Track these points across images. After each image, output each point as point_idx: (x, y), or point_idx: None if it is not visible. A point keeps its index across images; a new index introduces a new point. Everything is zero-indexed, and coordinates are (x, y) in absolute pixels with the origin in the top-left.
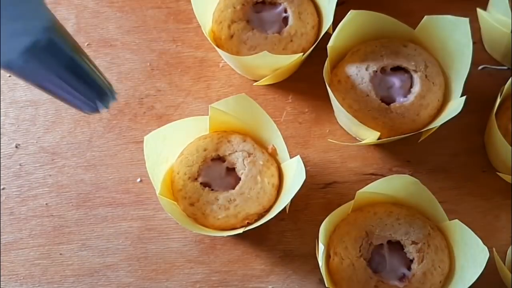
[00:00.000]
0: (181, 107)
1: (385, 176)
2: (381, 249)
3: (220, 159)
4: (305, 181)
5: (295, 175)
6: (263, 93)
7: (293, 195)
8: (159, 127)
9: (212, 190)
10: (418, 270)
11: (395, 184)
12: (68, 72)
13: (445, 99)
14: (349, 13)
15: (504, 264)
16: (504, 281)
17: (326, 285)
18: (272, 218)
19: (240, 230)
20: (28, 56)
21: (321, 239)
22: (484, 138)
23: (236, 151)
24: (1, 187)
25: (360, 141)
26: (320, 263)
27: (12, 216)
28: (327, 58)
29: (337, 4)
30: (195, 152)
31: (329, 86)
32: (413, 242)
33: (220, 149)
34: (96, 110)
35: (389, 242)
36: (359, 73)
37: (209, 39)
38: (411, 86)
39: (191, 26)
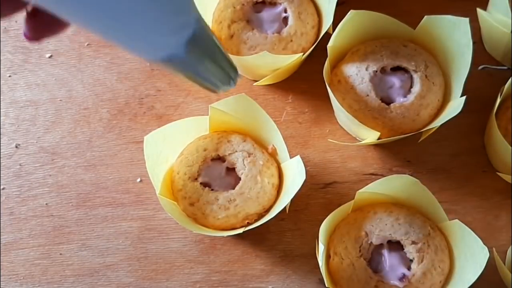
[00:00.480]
0: (181, 107)
1: (385, 176)
2: (381, 249)
3: (220, 159)
4: (305, 181)
5: (295, 175)
6: (263, 93)
7: (293, 195)
8: (159, 127)
9: (212, 190)
10: (418, 270)
11: (395, 184)
12: (213, 55)
13: (445, 99)
14: (349, 13)
15: (504, 264)
16: (504, 281)
17: (326, 285)
18: (272, 218)
19: (240, 230)
20: (189, 47)
21: (321, 239)
22: (484, 138)
23: (236, 151)
24: (1, 187)
25: (360, 141)
26: (320, 263)
27: (12, 216)
28: (327, 58)
29: (337, 4)
30: (195, 152)
31: (329, 86)
32: (413, 242)
33: (220, 149)
34: (226, 88)
35: (389, 242)
36: (359, 73)
37: None
38: (411, 86)
39: None
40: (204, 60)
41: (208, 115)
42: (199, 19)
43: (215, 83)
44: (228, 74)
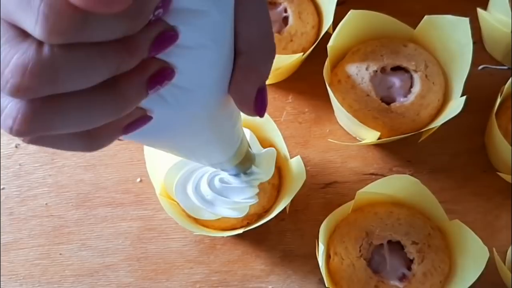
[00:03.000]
0: None
1: (385, 176)
2: (381, 249)
3: None
4: (305, 181)
5: (295, 175)
6: None
7: (293, 195)
8: None
9: None
10: (418, 270)
11: (395, 184)
12: (244, 161)
13: (445, 99)
14: (349, 13)
15: (504, 264)
16: (504, 281)
17: (326, 285)
18: (272, 218)
19: (240, 230)
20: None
21: (321, 239)
22: (485, 138)
23: None
24: (1, 187)
25: (360, 141)
26: (320, 263)
27: (11, 216)
28: (327, 58)
29: (337, 4)
30: None
31: (329, 86)
32: (413, 242)
33: None
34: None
35: (389, 242)
36: (359, 73)
37: None
38: (411, 86)
39: None
40: (237, 163)
41: None
42: (242, 139)
43: (238, 173)
44: (249, 167)
